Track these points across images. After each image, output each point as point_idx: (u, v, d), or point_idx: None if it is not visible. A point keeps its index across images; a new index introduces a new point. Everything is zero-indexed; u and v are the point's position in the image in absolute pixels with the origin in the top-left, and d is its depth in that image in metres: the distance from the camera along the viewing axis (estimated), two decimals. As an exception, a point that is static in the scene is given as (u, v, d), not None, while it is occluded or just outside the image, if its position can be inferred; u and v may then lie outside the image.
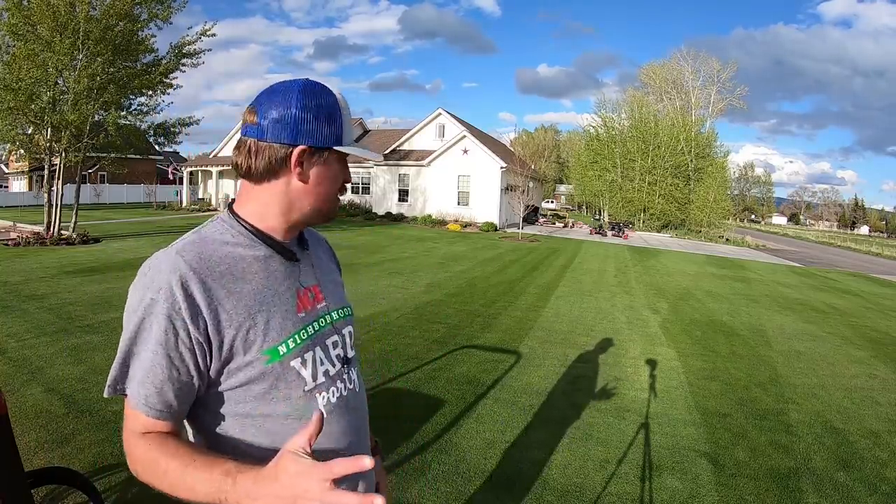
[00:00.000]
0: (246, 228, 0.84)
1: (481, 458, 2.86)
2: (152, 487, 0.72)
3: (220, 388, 0.78)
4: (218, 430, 0.80)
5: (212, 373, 0.77)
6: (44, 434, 2.80)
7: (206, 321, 0.74)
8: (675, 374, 4.52)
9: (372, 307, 6.21)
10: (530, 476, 2.72)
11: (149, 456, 0.72)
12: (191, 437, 0.83)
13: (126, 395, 0.75)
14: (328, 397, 0.86)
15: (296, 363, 0.81)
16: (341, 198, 0.92)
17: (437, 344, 4.88)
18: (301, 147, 0.80)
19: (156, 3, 11.47)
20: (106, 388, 0.76)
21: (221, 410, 0.80)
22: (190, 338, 0.73)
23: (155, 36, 11.97)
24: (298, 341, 0.83)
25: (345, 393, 0.89)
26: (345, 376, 0.91)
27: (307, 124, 0.80)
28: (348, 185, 0.92)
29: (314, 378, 0.84)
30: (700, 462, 2.97)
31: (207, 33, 12.09)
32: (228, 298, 0.76)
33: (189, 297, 0.73)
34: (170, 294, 0.72)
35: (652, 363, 4.77)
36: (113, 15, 10.66)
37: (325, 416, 0.83)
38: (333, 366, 0.88)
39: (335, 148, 0.83)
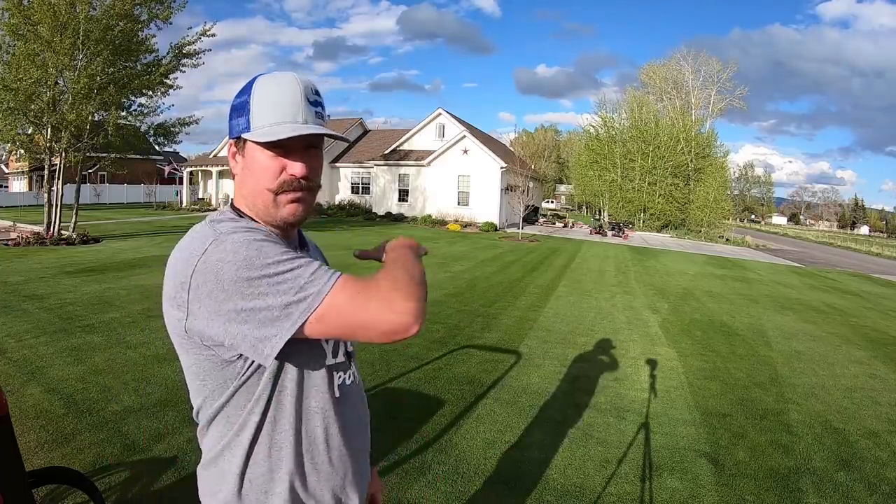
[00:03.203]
0: (248, 220, 0.87)
1: (481, 458, 2.86)
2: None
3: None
4: (280, 397, 0.82)
5: None
6: (44, 434, 2.80)
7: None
8: (675, 374, 4.52)
9: (372, 307, 6.21)
10: (530, 476, 2.72)
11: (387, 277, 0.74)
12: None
13: (333, 284, 0.71)
14: (344, 378, 0.90)
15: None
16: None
17: (437, 344, 4.88)
18: (230, 141, 0.87)
19: (156, 4, 11.48)
20: (314, 296, 0.71)
21: (274, 382, 0.81)
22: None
23: (155, 36, 11.99)
24: None
25: (348, 383, 0.91)
26: (349, 370, 0.93)
27: (231, 120, 0.85)
28: (294, 173, 0.81)
29: (334, 355, 0.88)
30: (700, 462, 2.97)
31: (207, 33, 12.09)
32: None
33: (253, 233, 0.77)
34: (242, 226, 0.78)
35: (652, 363, 4.77)
36: (113, 15, 10.66)
37: (338, 395, 0.87)
38: (343, 355, 0.92)
39: (243, 136, 0.82)
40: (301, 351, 0.80)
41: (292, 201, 0.83)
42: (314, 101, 0.83)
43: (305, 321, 0.70)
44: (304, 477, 0.83)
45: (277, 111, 0.80)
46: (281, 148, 0.80)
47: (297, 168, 0.81)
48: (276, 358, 0.73)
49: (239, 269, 0.70)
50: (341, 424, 0.87)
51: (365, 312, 0.69)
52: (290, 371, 0.81)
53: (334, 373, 0.87)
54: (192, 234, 0.79)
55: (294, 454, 0.82)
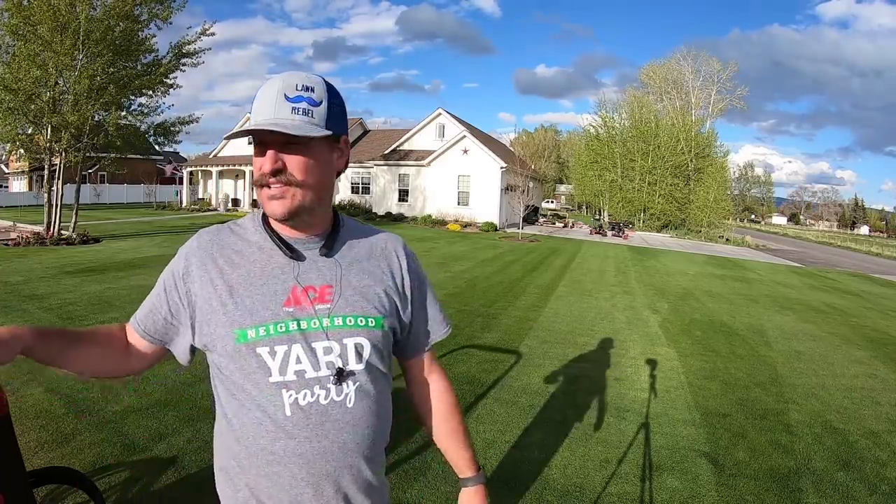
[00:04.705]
0: (262, 222, 0.93)
1: (481, 458, 2.86)
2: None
3: (211, 354, 0.90)
4: (219, 390, 0.91)
5: (196, 334, 0.90)
6: (44, 434, 2.80)
7: (195, 286, 0.89)
8: (675, 374, 4.52)
9: (372, 307, 6.21)
10: (530, 476, 2.72)
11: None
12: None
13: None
14: (296, 398, 0.84)
15: (262, 351, 0.84)
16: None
17: (437, 344, 4.87)
18: None
19: (156, 4, 11.48)
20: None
21: (216, 374, 0.91)
22: (178, 292, 0.90)
23: (155, 36, 11.99)
24: (271, 332, 0.84)
25: (323, 402, 0.85)
26: (330, 386, 0.86)
27: None
28: (262, 169, 0.84)
29: (282, 373, 0.84)
30: (700, 462, 2.97)
31: (207, 32, 12.09)
32: (219, 276, 0.88)
33: (188, 265, 0.90)
34: (179, 259, 0.92)
35: (652, 363, 4.77)
36: (113, 15, 10.66)
37: (289, 414, 0.84)
38: (315, 370, 0.85)
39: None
40: (226, 365, 0.87)
41: (271, 198, 0.85)
42: (295, 97, 0.82)
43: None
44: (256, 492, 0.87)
45: (258, 111, 0.84)
46: (262, 145, 0.84)
47: (265, 163, 0.83)
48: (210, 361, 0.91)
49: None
50: (293, 446, 0.84)
51: None
52: (222, 381, 0.89)
53: (283, 391, 0.83)
54: None
55: (231, 457, 0.89)
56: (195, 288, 0.88)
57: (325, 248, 0.92)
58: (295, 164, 0.83)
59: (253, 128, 0.81)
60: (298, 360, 0.84)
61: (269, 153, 0.83)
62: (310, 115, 0.83)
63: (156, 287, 0.93)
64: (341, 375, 0.86)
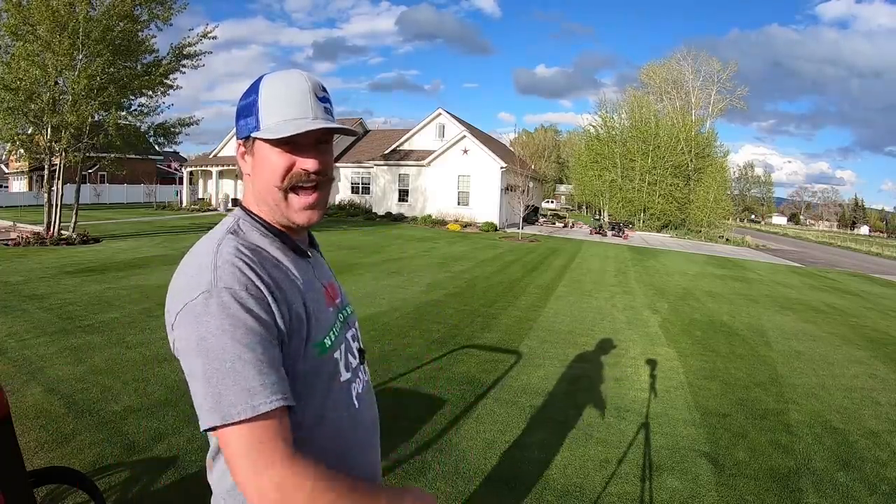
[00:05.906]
0: (262, 224, 0.84)
1: (481, 458, 2.86)
2: None
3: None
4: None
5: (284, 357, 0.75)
6: (44, 434, 2.80)
7: (281, 307, 0.73)
8: (675, 374, 4.52)
9: (372, 307, 6.21)
10: (530, 476, 2.72)
11: (323, 481, 0.65)
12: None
13: (239, 420, 0.64)
14: (357, 389, 0.89)
15: (337, 355, 0.85)
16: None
17: (437, 344, 4.88)
18: (238, 141, 0.85)
19: (156, 4, 11.48)
20: (206, 419, 0.65)
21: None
22: (277, 325, 0.72)
23: (155, 37, 12.00)
24: (336, 334, 0.85)
25: (363, 386, 0.92)
26: (360, 370, 0.93)
27: (239, 121, 0.84)
28: (305, 168, 0.80)
29: (346, 369, 0.87)
30: (700, 462, 2.97)
31: (209, 35, 12.10)
32: (279, 291, 0.75)
33: (258, 286, 0.72)
34: (250, 283, 0.71)
35: (652, 363, 4.77)
36: (113, 16, 10.66)
37: (357, 406, 0.87)
38: (355, 358, 0.91)
39: (252, 135, 0.81)
40: (313, 383, 0.78)
41: (306, 208, 0.81)
42: (322, 97, 0.82)
43: (220, 426, 0.65)
44: None
45: (287, 108, 0.79)
46: (291, 144, 0.79)
47: (308, 163, 0.80)
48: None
49: (211, 337, 0.67)
50: (365, 437, 0.90)
51: (249, 475, 0.63)
52: (306, 401, 0.77)
53: (351, 386, 0.87)
54: (198, 258, 0.75)
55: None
56: (282, 310, 0.73)
57: (313, 248, 0.96)
58: (326, 162, 0.83)
59: (331, 127, 0.79)
60: (346, 355, 0.88)
61: (314, 152, 0.81)
62: (332, 115, 0.84)
63: (247, 334, 0.67)
64: (363, 355, 0.95)
